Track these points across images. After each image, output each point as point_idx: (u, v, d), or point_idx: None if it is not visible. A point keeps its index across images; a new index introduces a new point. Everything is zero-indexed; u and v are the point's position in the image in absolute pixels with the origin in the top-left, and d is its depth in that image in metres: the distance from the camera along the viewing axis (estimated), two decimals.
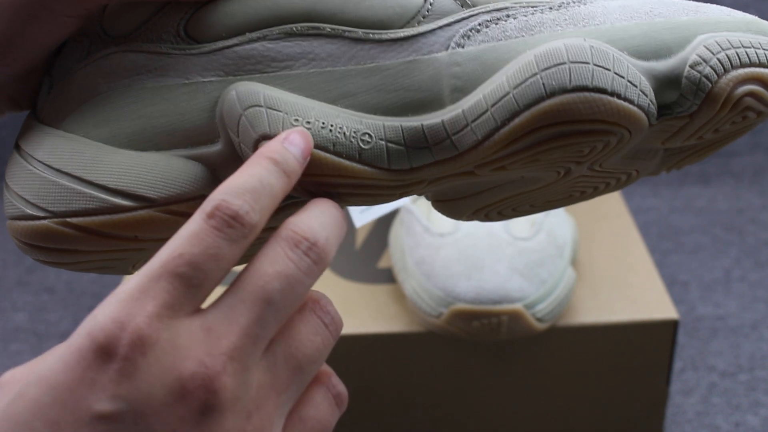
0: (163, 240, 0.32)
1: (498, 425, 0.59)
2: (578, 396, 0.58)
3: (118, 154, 0.33)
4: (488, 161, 0.33)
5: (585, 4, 0.34)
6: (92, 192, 0.32)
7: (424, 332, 0.55)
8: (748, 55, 0.32)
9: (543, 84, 0.31)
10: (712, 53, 0.32)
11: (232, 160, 0.33)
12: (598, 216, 0.66)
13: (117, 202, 0.32)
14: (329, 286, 0.59)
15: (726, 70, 0.32)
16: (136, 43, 0.34)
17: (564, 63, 0.31)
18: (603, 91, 0.30)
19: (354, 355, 0.56)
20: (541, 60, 0.31)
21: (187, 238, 0.27)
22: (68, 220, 0.32)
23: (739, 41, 0.32)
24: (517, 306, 0.51)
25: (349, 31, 0.33)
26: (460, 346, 0.56)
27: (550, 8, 0.33)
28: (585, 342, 0.56)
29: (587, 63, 0.31)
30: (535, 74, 0.31)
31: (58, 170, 0.33)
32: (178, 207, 0.33)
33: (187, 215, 0.32)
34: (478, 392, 0.57)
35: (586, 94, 0.30)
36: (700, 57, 0.32)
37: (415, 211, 0.57)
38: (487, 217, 0.39)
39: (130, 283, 0.27)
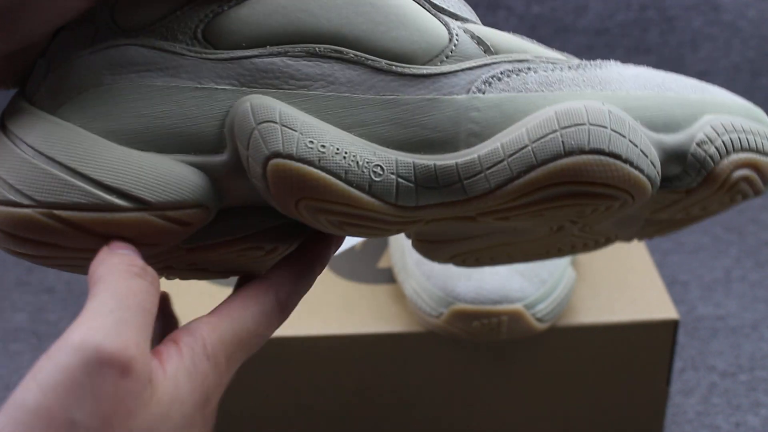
0: (148, 246, 0.31)
1: (498, 425, 0.59)
2: (578, 396, 0.58)
3: (116, 150, 0.32)
4: (494, 210, 0.33)
5: (601, 68, 0.34)
6: (85, 186, 0.31)
7: (424, 332, 0.55)
8: (748, 140, 0.33)
9: (562, 141, 0.31)
10: (718, 134, 0.33)
11: (237, 172, 0.33)
12: None
13: (111, 200, 0.31)
14: (329, 286, 0.59)
15: (728, 153, 0.33)
16: (150, 39, 0.33)
17: (584, 124, 0.31)
18: (618, 156, 0.31)
19: (354, 355, 0.56)
20: (562, 118, 0.31)
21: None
22: (55, 212, 0.31)
23: (741, 126, 0.33)
24: (517, 306, 0.51)
25: (372, 60, 0.33)
26: (460, 346, 0.56)
27: (569, 67, 0.34)
28: (585, 342, 0.56)
29: (605, 127, 0.31)
30: (555, 131, 0.31)
31: (50, 158, 0.31)
32: (173, 213, 0.32)
33: (181, 223, 0.32)
34: (478, 392, 0.57)
35: (602, 157, 0.31)
36: (706, 136, 0.33)
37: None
38: (463, 263, 0.39)
39: None
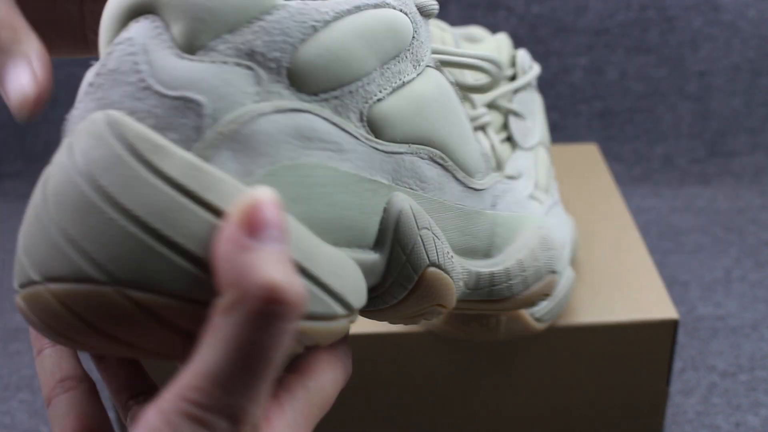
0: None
1: (497, 425, 0.59)
2: (578, 396, 0.58)
3: (325, 246, 0.28)
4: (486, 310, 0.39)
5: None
6: (318, 291, 0.27)
7: (423, 332, 0.55)
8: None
9: (545, 264, 0.40)
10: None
11: (379, 273, 0.32)
12: (598, 216, 0.66)
13: (335, 308, 0.28)
14: None
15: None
16: (326, 110, 0.29)
17: (553, 249, 0.41)
18: (555, 272, 0.41)
19: (354, 355, 0.56)
20: (546, 242, 0.40)
21: None
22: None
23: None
24: None
25: (455, 171, 0.35)
26: (459, 346, 0.56)
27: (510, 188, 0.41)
28: (585, 342, 0.56)
29: (555, 249, 0.41)
30: (544, 252, 0.40)
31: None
32: (354, 318, 0.30)
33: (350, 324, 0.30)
34: (478, 392, 0.57)
35: (555, 275, 0.41)
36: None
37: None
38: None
39: None
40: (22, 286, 0.26)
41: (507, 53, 0.60)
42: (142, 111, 0.26)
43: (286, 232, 0.24)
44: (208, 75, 0.27)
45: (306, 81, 0.28)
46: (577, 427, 0.59)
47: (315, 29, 0.29)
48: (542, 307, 0.52)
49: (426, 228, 0.33)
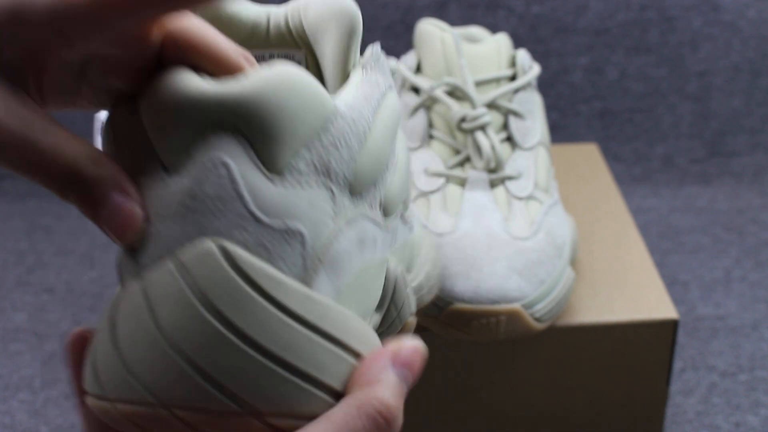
0: None
1: (497, 425, 0.59)
2: (578, 396, 0.58)
3: (367, 329, 0.30)
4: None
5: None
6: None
7: (423, 332, 0.55)
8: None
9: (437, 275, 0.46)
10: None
11: (375, 328, 0.35)
12: (598, 216, 0.66)
13: None
14: None
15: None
16: (366, 207, 0.31)
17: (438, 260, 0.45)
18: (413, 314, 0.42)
19: None
20: (437, 250, 0.44)
21: None
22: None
23: None
24: (515, 306, 0.51)
25: (402, 213, 0.38)
26: (459, 345, 0.56)
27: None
28: (585, 342, 0.56)
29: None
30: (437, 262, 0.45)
31: (344, 345, 0.28)
32: None
33: None
34: (478, 392, 0.57)
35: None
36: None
37: (414, 210, 0.57)
38: None
39: None
40: (128, 402, 0.27)
41: (507, 53, 0.60)
42: (253, 243, 0.27)
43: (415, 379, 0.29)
44: (301, 201, 0.28)
45: (359, 187, 0.30)
46: (577, 427, 0.59)
47: (365, 135, 0.30)
48: (542, 307, 0.52)
49: (408, 286, 0.36)
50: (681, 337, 0.70)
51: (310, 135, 0.28)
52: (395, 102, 0.32)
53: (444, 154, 0.58)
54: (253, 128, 0.27)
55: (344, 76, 0.32)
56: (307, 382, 0.27)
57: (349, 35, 0.31)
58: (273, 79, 0.27)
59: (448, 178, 0.57)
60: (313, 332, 0.27)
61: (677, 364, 0.67)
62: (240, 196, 0.27)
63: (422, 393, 0.57)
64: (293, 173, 0.28)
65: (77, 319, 0.75)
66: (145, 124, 0.28)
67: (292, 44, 0.35)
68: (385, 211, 0.33)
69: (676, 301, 0.74)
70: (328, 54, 0.32)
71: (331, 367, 0.28)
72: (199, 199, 0.27)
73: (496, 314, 0.51)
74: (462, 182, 0.57)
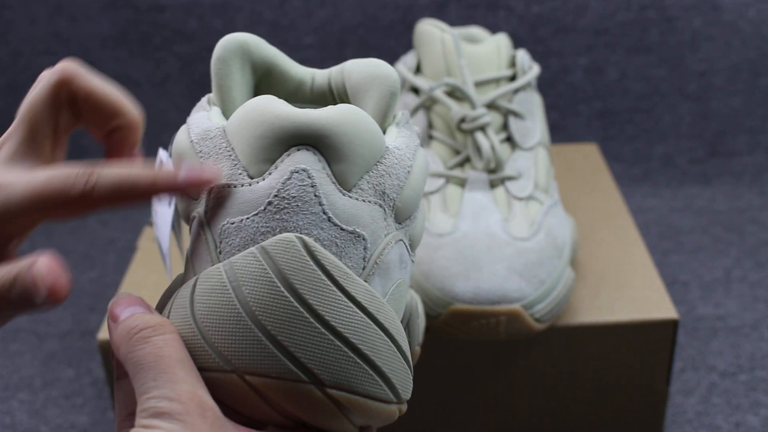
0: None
1: (497, 425, 0.59)
2: (578, 396, 0.58)
3: (388, 343, 0.34)
4: None
5: None
6: (374, 374, 0.32)
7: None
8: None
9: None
10: None
11: None
12: (598, 216, 0.66)
13: (390, 395, 0.33)
14: None
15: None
16: (404, 236, 0.36)
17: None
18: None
19: None
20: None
21: None
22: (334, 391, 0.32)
23: None
24: (516, 306, 0.51)
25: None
26: (459, 346, 0.56)
27: None
28: (585, 342, 0.56)
29: None
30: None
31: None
32: (402, 407, 0.35)
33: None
34: (477, 392, 0.57)
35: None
36: None
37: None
38: None
39: None
40: (200, 368, 0.31)
41: (507, 53, 0.60)
42: (326, 239, 0.32)
43: None
44: (365, 213, 0.33)
45: (401, 214, 0.35)
46: (577, 427, 0.59)
47: (408, 171, 0.35)
48: (542, 308, 0.52)
49: (420, 316, 0.41)
50: (681, 337, 0.70)
51: (370, 161, 0.33)
52: (425, 157, 0.37)
53: (444, 155, 0.58)
54: (329, 148, 0.32)
55: (382, 131, 0.37)
56: (363, 361, 0.31)
57: (390, 96, 0.36)
58: (347, 112, 0.33)
59: (448, 179, 0.57)
60: (371, 320, 0.32)
61: (677, 364, 0.67)
62: (318, 199, 0.32)
63: (423, 393, 0.57)
64: (358, 190, 0.33)
65: (77, 319, 0.75)
66: (231, 139, 0.34)
67: (332, 102, 0.40)
68: (411, 246, 0.37)
69: (676, 301, 0.74)
70: (368, 111, 0.37)
71: (382, 353, 0.32)
72: (283, 199, 0.32)
73: (496, 315, 0.51)
74: (462, 183, 0.57)
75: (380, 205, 0.34)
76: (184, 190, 0.33)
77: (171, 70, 0.98)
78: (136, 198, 0.32)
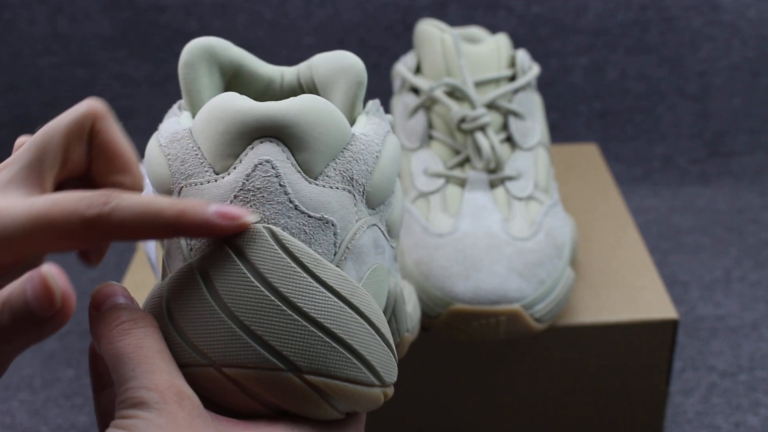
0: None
1: (497, 425, 0.59)
2: (578, 396, 0.58)
3: (366, 327, 0.33)
4: None
5: None
6: (351, 357, 0.32)
7: (423, 332, 0.55)
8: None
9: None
10: None
11: None
12: (598, 216, 0.66)
13: (371, 378, 0.33)
14: None
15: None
16: (378, 220, 0.36)
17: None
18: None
19: None
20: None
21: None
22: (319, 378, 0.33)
23: None
24: (516, 306, 0.51)
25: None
26: (459, 346, 0.56)
27: None
28: (585, 342, 0.56)
29: None
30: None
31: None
32: (387, 391, 0.36)
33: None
34: (477, 392, 0.57)
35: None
36: None
37: (414, 211, 0.57)
38: None
39: None
40: (179, 365, 0.31)
41: (507, 53, 0.60)
42: (294, 227, 0.32)
43: None
44: (333, 200, 0.33)
45: (373, 199, 0.35)
46: (577, 427, 0.59)
47: (377, 157, 0.36)
48: (542, 308, 0.52)
49: (406, 303, 0.41)
50: (681, 337, 0.70)
51: (335, 148, 0.34)
52: (397, 142, 0.38)
53: (444, 155, 0.58)
54: (292, 138, 0.33)
55: (351, 121, 0.37)
56: (340, 344, 0.31)
57: (357, 86, 0.37)
58: (307, 102, 0.33)
59: (448, 179, 0.57)
60: (345, 304, 0.32)
61: (677, 364, 0.67)
62: (283, 189, 0.32)
63: (423, 393, 0.57)
64: (324, 177, 0.33)
65: (77, 319, 0.75)
66: (196, 139, 0.34)
67: None
68: (389, 232, 0.37)
69: (676, 301, 0.74)
70: (336, 103, 0.37)
71: (359, 336, 0.32)
72: (248, 191, 0.32)
73: (496, 315, 0.51)
74: (462, 183, 0.57)
75: (349, 191, 0.34)
76: (212, 228, 0.31)
77: (171, 70, 0.98)
78: (157, 229, 0.30)
